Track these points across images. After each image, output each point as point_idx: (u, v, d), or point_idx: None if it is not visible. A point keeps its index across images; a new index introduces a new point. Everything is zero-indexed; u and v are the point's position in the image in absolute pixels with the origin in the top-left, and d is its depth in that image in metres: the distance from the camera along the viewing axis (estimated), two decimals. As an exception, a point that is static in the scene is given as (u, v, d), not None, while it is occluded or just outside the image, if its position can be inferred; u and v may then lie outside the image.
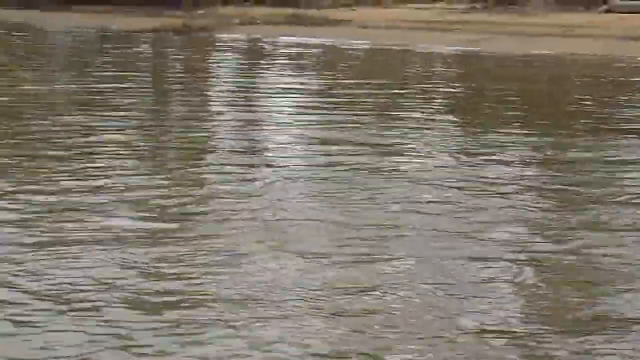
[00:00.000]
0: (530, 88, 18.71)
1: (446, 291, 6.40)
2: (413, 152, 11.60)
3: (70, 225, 7.67)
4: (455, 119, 14.80)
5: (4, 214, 7.97)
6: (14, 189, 8.93)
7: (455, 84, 19.29)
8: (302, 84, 18.17)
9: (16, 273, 6.45)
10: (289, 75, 19.60)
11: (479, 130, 13.19)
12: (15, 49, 22.52)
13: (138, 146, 11.46)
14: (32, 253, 6.85)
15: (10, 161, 10.31)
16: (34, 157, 10.47)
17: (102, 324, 5.59)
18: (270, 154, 11.34)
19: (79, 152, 10.85)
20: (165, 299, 6.06)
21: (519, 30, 28.10)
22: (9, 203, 8.40)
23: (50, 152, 10.77)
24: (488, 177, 10.16)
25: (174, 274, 6.56)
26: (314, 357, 5.30)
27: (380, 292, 6.33)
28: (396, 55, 24.54)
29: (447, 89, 18.51)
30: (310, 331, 5.62)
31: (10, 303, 5.88)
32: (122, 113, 13.83)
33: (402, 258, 7.19)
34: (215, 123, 13.93)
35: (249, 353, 5.30)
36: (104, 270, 6.52)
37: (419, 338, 5.55)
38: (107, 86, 16.44)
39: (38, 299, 5.96)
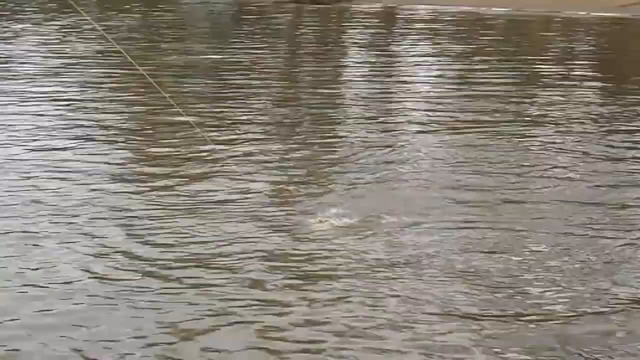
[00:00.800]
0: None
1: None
2: (553, 118, 11.25)
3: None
4: (598, 85, 14.23)
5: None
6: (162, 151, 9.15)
7: (600, 50, 18.54)
8: (440, 51, 17.82)
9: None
10: (427, 43, 19.26)
11: (624, 96, 12.64)
12: (157, 22, 23.04)
13: (275, 115, 11.53)
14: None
15: (151, 131, 10.58)
16: (170, 124, 10.67)
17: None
18: (407, 121, 11.22)
19: (216, 118, 11.00)
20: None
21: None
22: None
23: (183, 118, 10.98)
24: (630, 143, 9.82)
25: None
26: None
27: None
28: (538, 22, 23.81)
29: (591, 55, 17.80)
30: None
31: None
32: (257, 82, 13.88)
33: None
34: (352, 90, 13.84)
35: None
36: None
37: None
38: (244, 57, 16.54)
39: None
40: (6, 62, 15.17)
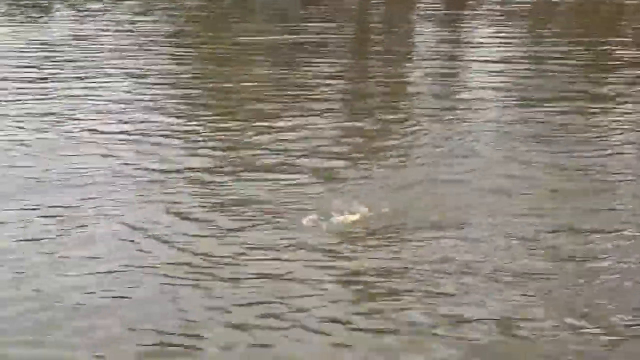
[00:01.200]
0: None
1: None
2: (624, 97, 11.14)
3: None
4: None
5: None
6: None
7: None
8: (509, 32, 17.62)
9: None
10: (496, 23, 19.05)
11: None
12: (225, 3, 23.19)
13: (340, 92, 11.60)
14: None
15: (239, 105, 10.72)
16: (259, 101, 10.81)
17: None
18: (474, 98, 11.20)
19: (283, 96, 11.12)
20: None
21: None
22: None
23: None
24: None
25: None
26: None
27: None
28: (609, 4, 23.39)
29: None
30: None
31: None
32: (324, 60, 13.89)
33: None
34: (419, 69, 13.81)
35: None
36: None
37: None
38: (309, 38, 16.54)
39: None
40: (82, 40, 15.47)
